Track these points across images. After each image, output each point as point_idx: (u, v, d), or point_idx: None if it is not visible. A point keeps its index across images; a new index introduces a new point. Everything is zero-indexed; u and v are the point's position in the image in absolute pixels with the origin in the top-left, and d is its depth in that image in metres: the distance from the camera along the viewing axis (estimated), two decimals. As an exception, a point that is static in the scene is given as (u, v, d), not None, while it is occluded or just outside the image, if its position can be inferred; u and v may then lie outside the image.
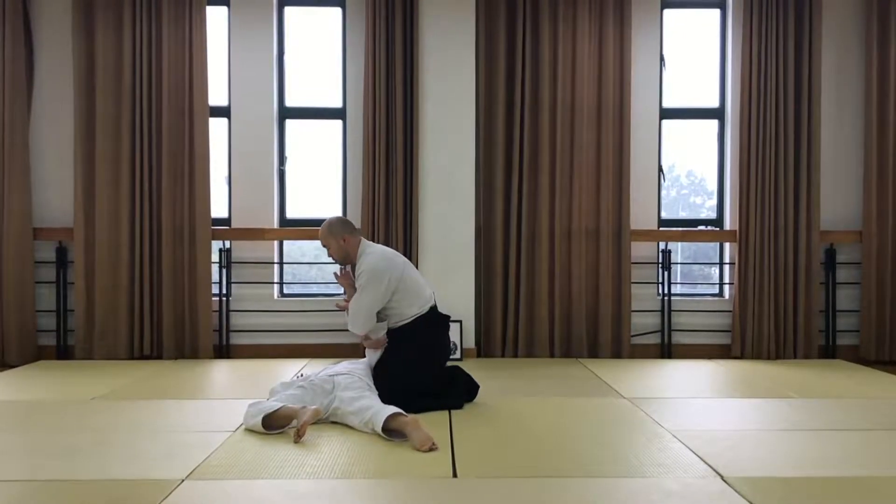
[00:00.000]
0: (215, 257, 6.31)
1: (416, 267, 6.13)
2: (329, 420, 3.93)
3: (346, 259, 4.52)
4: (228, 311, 6.32)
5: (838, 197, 6.44)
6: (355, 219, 6.32)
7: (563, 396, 4.74)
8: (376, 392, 4.06)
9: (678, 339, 6.44)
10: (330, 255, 4.55)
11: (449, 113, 6.14)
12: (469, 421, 4.04)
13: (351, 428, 3.80)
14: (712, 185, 6.78)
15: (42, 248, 6.29)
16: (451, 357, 6.03)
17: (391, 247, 6.11)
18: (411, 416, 3.61)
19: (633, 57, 6.32)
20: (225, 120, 6.45)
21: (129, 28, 6.12)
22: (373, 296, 4.31)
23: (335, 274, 4.69)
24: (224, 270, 6.32)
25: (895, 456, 3.45)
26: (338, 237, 4.47)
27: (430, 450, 3.41)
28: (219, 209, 6.41)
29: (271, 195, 6.40)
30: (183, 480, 3.01)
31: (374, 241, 6.13)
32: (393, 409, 3.69)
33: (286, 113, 6.54)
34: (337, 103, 6.54)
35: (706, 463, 3.26)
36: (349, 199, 6.43)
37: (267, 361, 5.98)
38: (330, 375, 4.15)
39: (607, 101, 6.26)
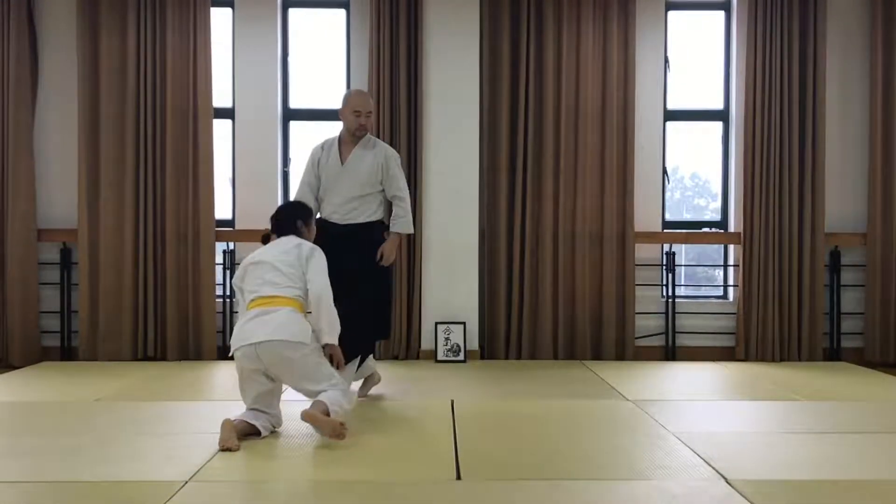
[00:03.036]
0: (219, 259, 6.31)
1: (420, 269, 6.15)
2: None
3: (369, 131, 4.72)
4: (232, 312, 6.31)
5: (843, 199, 6.42)
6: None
7: (567, 399, 4.73)
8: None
9: (682, 341, 6.42)
10: (363, 125, 4.65)
11: (453, 115, 6.14)
12: (473, 423, 4.04)
13: (354, 431, 3.79)
14: (716, 187, 6.77)
15: (46, 249, 6.29)
16: (455, 359, 6.05)
17: (396, 252, 6.11)
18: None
19: (637, 59, 6.30)
20: (229, 121, 6.46)
21: (133, 29, 6.13)
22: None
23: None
24: (228, 272, 6.32)
25: (900, 459, 3.44)
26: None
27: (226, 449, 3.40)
28: (223, 211, 6.41)
29: (275, 196, 6.39)
30: (186, 482, 3.01)
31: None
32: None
33: (290, 114, 6.54)
34: (340, 105, 6.51)
35: (710, 466, 3.26)
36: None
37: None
38: None
39: (611, 102, 6.25)
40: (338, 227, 4.59)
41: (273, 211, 4.20)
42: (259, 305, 3.67)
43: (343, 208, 4.61)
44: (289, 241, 3.91)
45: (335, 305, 3.79)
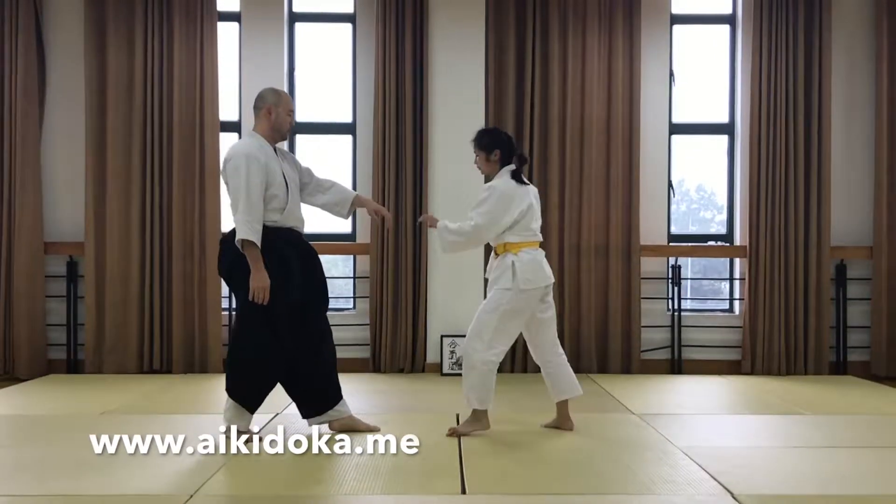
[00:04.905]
0: (225, 272, 6.31)
1: (426, 282, 6.15)
2: None
3: None
4: (238, 325, 6.32)
5: (849, 212, 6.41)
6: (364, 234, 6.32)
7: (573, 412, 4.71)
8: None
9: (688, 354, 6.41)
10: (292, 125, 4.16)
11: (458, 128, 6.12)
12: (478, 437, 4.03)
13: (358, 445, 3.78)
14: (722, 200, 6.77)
15: (53, 262, 6.31)
16: (461, 372, 6.02)
17: (402, 264, 6.13)
18: None
19: (642, 72, 6.31)
20: (235, 135, 6.46)
21: (140, 43, 6.16)
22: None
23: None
24: (234, 285, 6.32)
25: (908, 474, 3.42)
26: None
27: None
28: (229, 224, 6.39)
29: (281, 210, 6.39)
30: (192, 496, 3.01)
31: (383, 257, 6.15)
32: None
33: (296, 128, 6.53)
34: (347, 118, 6.56)
35: (716, 480, 3.24)
36: (358, 214, 6.43)
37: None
38: None
39: (616, 116, 6.26)
40: (303, 237, 4.14)
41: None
42: (538, 247, 4.11)
43: (301, 216, 4.15)
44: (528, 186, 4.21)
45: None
